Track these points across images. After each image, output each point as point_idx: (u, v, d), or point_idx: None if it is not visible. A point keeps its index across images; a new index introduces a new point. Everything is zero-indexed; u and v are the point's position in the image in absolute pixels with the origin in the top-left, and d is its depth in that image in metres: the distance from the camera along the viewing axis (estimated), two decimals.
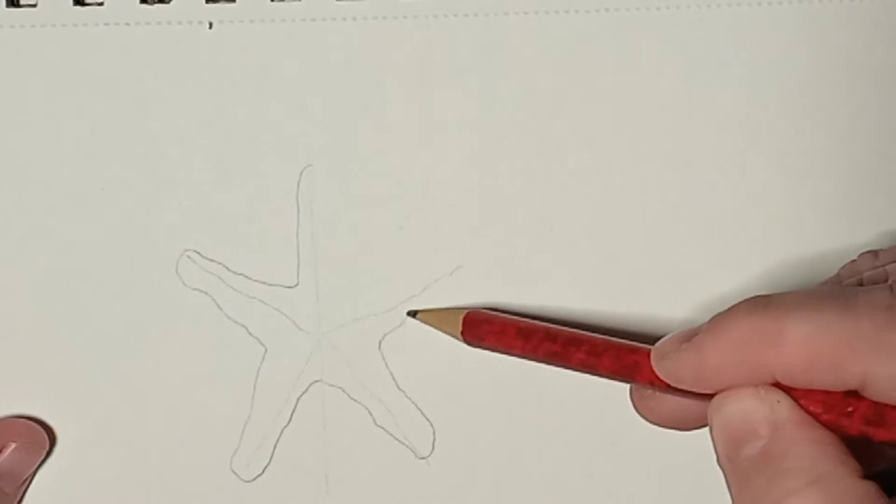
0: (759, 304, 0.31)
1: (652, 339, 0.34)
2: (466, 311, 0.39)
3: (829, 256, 0.39)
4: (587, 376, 0.37)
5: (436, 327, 0.40)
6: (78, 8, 0.40)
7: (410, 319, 0.40)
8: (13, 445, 0.40)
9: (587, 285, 0.41)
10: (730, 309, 0.31)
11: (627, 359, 0.35)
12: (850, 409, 0.30)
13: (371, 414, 0.41)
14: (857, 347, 0.29)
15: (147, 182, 0.40)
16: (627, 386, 0.37)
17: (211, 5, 0.40)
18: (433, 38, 0.40)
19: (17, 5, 0.40)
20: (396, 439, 0.41)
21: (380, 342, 0.41)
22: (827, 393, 0.30)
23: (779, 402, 0.31)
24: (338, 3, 0.40)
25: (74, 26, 0.40)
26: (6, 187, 0.40)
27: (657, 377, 0.34)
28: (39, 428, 0.40)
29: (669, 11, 0.40)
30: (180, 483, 0.41)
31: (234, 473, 0.41)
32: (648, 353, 0.34)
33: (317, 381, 0.41)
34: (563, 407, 0.41)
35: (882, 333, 0.29)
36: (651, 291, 0.41)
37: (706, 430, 0.33)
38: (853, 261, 0.38)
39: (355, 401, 0.41)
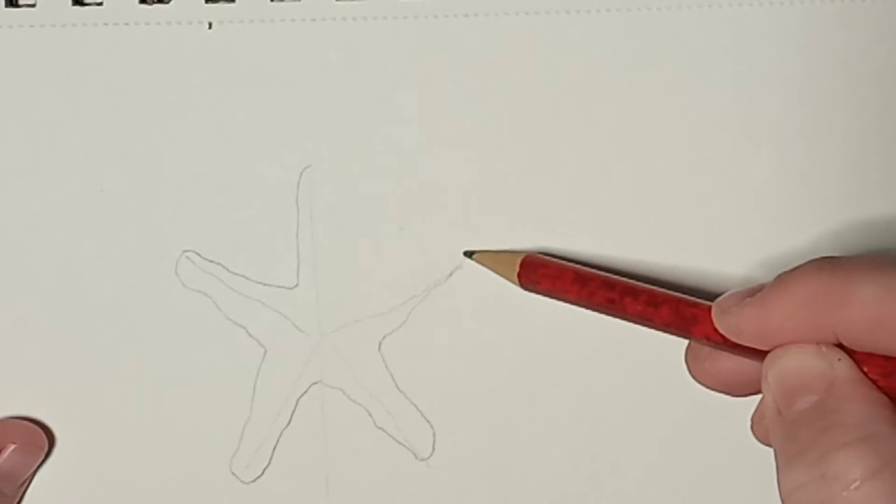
0: (827, 264, 0.31)
1: None
2: (524, 254, 0.39)
3: (827, 254, 0.39)
4: (586, 376, 0.36)
5: (491, 269, 0.40)
6: (77, 8, 0.40)
7: (419, 317, 0.40)
8: (12, 446, 0.40)
9: None
10: (797, 267, 0.31)
11: (686, 311, 0.35)
12: None
13: (371, 415, 0.41)
14: None
15: (146, 183, 0.40)
16: (627, 385, 0.37)
17: (210, 5, 0.40)
18: (433, 38, 0.40)
19: (16, 5, 0.40)
20: (396, 441, 0.41)
21: (380, 343, 0.41)
22: (888, 359, 0.30)
23: (839, 360, 0.31)
24: (338, 3, 0.40)
25: (73, 26, 0.40)
26: (5, 188, 0.40)
27: (715, 332, 0.33)
28: (38, 429, 0.40)
29: (669, 11, 0.40)
30: (179, 485, 0.41)
31: (234, 475, 0.41)
32: (708, 309, 0.34)
33: (317, 383, 0.41)
34: (562, 407, 0.41)
35: None
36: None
37: (711, 432, 0.32)
38: None
39: (355, 402, 0.41)
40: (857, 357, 0.31)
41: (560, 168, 0.40)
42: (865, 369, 0.30)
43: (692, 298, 0.35)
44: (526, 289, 0.39)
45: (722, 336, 0.33)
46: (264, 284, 0.41)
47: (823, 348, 0.31)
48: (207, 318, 0.41)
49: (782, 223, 0.40)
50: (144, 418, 0.41)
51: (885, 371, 0.30)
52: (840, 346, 0.31)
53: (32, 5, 0.40)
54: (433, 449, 0.41)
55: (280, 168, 0.40)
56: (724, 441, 0.40)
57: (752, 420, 0.36)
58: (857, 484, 0.28)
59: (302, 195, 0.40)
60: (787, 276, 0.31)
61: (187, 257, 0.40)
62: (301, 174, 0.40)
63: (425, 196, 0.40)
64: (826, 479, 0.29)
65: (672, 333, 0.35)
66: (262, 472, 0.41)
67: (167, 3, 0.40)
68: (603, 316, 0.38)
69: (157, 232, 0.40)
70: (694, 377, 0.36)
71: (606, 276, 0.37)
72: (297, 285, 0.41)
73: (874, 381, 0.30)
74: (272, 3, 0.40)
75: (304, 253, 0.41)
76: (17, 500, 0.40)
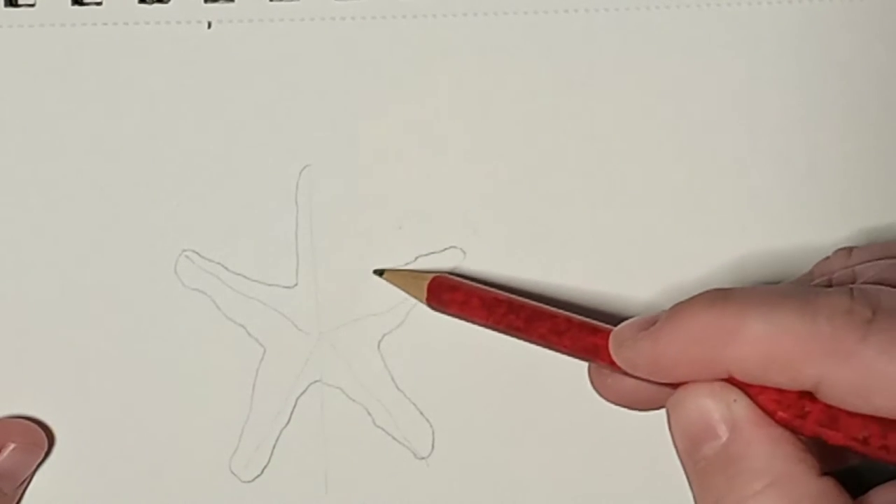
0: (719, 298, 0.31)
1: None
2: (433, 275, 0.39)
3: (827, 254, 0.39)
4: (585, 375, 0.36)
5: (401, 288, 0.40)
6: (76, 8, 0.40)
7: (419, 315, 0.40)
8: (12, 446, 0.40)
9: (588, 284, 0.41)
10: (690, 300, 0.31)
11: (587, 340, 0.35)
12: (805, 409, 0.30)
13: (370, 414, 0.41)
14: (812, 350, 0.29)
15: (145, 182, 0.40)
16: None
17: (209, 5, 0.40)
18: (433, 38, 0.40)
19: (16, 5, 0.40)
20: (396, 440, 0.41)
21: (379, 342, 0.41)
22: (782, 393, 0.30)
23: (735, 400, 0.31)
24: (337, 2, 0.40)
25: (73, 26, 0.40)
26: (5, 187, 0.40)
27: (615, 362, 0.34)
28: (38, 428, 0.40)
29: (669, 11, 0.40)
30: (179, 483, 0.41)
31: (233, 474, 0.41)
32: (609, 335, 0.34)
33: (316, 382, 0.41)
34: (562, 407, 0.41)
35: (838, 338, 0.29)
36: (651, 289, 0.41)
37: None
38: (827, 258, 0.37)
39: (354, 401, 0.41)
40: (753, 391, 0.31)
41: (559, 168, 0.40)
42: (763, 403, 0.30)
43: (596, 324, 0.35)
44: (435, 310, 0.39)
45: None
46: (264, 283, 0.41)
47: (718, 389, 0.31)
48: (207, 317, 0.41)
49: (782, 223, 0.40)
50: (144, 417, 0.41)
51: (780, 404, 0.30)
52: (735, 380, 0.31)
53: (32, 5, 0.40)
54: (432, 448, 0.41)
55: (279, 167, 0.40)
56: None
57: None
58: None
59: (301, 194, 0.40)
60: (680, 310, 0.31)
61: (187, 256, 0.40)
62: (300, 173, 0.40)
63: (424, 195, 0.40)
64: None
65: (578, 359, 0.35)
66: (262, 471, 0.41)
67: (166, 2, 0.40)
68: (604, 316, 0.38)
69: (157, 231, 0.40)
70: (598, 392, 0.36)
71: (512, 301, 0.37)
72: (296, 284, 0.41)
73: (772, 414, 0.30)
74: (271, 3, 0.40)
75: (304, 252, 0.40)
76: (16, 499, 0.40)
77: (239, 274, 0.41)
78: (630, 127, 0.40)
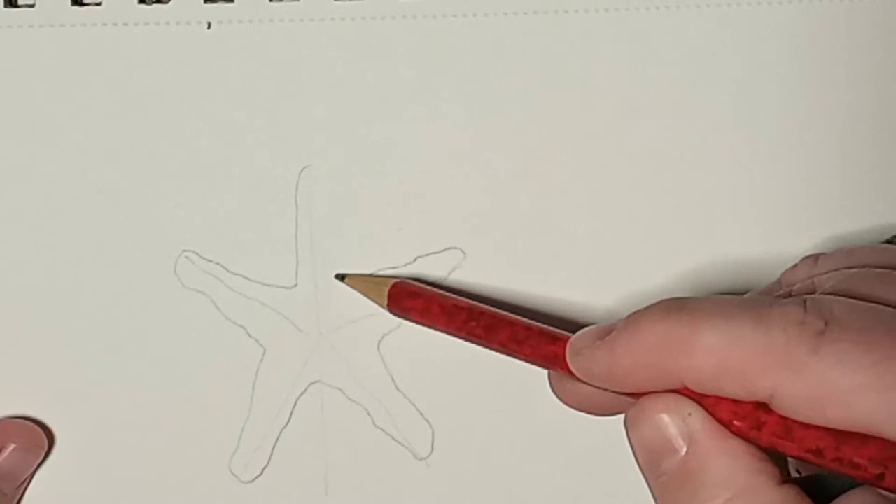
0: (675, 308, 0.31)
1: None
2: (394, 280, 0.39)
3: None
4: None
5: (362, 293, 0.40)
6: (76, 8, 0.40)
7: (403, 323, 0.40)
8: (12, 446, 0.40)
9: (587, 283, 0.41)
10: (645, 309, 0.31)
11: (546, 349, 0.35)
12: (761, 420, 0.30)
13: (370, 415, 0.41)
14: (765, 361, 0.29)
15: (145, 182, 0.40)
16: None
17: (209, 5, 0.40)
18: (433, 38, 0.40)
19: (15, 5, 0.40)
20: (395, 440, 0.41)
21: (379, 343, 0.41)
22: (738, 402, 0.30)
23: (690, 414, 0.31)
24: (337, 3, 0.40)
25: (72, 26, 0.39)
26: (4, 188, 0.40)
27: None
28: (38, 429, 0.40)
29: (669, 11, 0.40)
30: (179, 484, 0.41)
31: (233, 474, 0.41)
32: (566, 343, 0.34)
33: (315, 382, 0.41)
34: (562, 407, 0.41)
35: (791, 349, 0.29)
36: (650, 290, 0.41)
37: None
38: (795, 266, 0.37)
39: (354, 402, 0.41)
40: (708, 402, 0.30)
41: (559, 168, 0.40)
42: (718, 414, 0.30)
43: (555, 332, 0.35)
44: (396, 316, 0.39)
45: None
46: (263, 284, 0.41)
47: (672, 404, 0.31)
48: (206, 317, 0.41)
49: (781, 223, 0.40)
50: (143, 418, 0.41)
51: (736, 415, 0.30)
52: (690, 391, 0.31)
53: (32, 5, 0.40)
54: (432, 448, 0.41)
55: (279, 168, 0.40)
56: None
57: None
58: None
59: (301, 195, 0.40)
60: (636, 320, 0.31)
61: (186, 257, 0.40)
62: (300, 174, 0.40)
63: (424, 196, 0.40)
64: None
65: (538, 366, 0.35)
66: (262, 472, 0.41)
67: (166, 3, 0.40)
68: (603, 316, 0.38)
69: (157, 232, 0.40)
70: (558, 398, 0.36)
71: (472, 308, 0.37)
72: (296, 285, 0.41)
73: (727, 425, 0.30)
74: (271, 3, 0.40)
75: (303, 252, 0.40)
76: (16, 499, 0.40)
77: (239, 274, 0.41)
78: (630, 127, 0.40)
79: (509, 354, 0.36)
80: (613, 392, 0.32)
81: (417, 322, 0.38)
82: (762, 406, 0.30)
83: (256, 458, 0.41)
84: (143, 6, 0.40)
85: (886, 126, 0.40)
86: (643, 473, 0.32)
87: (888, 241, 0.40)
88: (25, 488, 0.41)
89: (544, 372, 0.38)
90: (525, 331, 0.36)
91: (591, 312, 0.40)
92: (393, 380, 0.41)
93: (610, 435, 0.41)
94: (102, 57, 0.40)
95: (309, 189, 0.40)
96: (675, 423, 0.31)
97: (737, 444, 0.30)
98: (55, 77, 0.40)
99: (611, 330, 0.32)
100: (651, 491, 0.32)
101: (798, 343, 0.29)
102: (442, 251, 0.41)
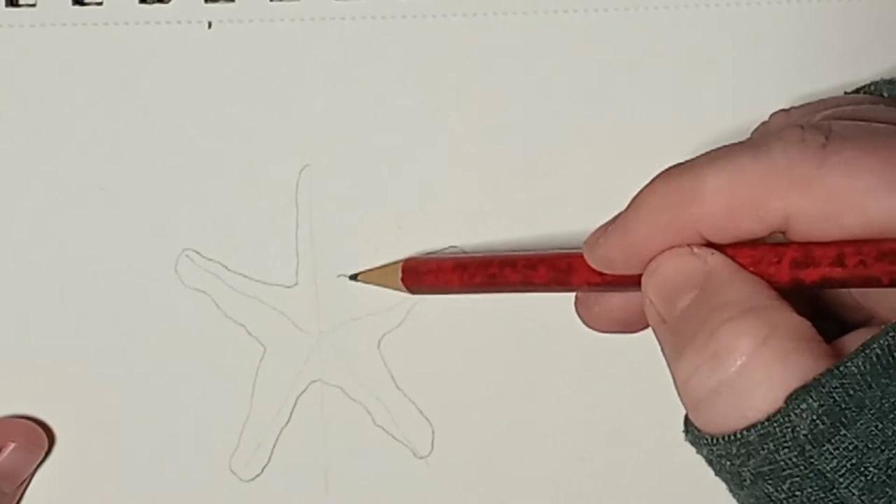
0: (674, 168, 0.30)
1: None
2: (403, 260, 0.39)
3: None
4: (585, 374, 0.37)
5: (378, 285, 0.40)
6: (77, 7, 0.40)
7: (418, 315, 0.40)
8: (12, 445, 0.40)
9: None
10: (647, 183, 0.31)
11: (562, 263, 0.34)
12: (779, 251, 0.29)
13: (370, 413, 0.41)
14: (774, 184, 0.29)
15: (146, 181, 0.40)
16: (626, 383, 0.37)
17: (210, 5, 0.40)
18: (433, 38, 0.40)
19: (17, 5, 0.40)
20: (395, 439, 0.41)
21: (379, 342, 0.41)
22: (755, 248, 0.30)
23: (712, 254, 0.30)
24: (337, 2, 0.40)
25: (73, 26, 0.40)
26: (5, 187, 0.40)
27: (593, 273, 0.33)
28: (38, 428, 0.40)
29: (668, 11, 0.40)
30: (179, 483, 0.41)
31: (233, 473, 0.41)
32: (582, 255, 0.33)
33: (316, 381, 0.41)
34: (562, 407, 0.41)
35: (797, 166, 0.28)
36: None
37: None
38: (765, 122, 0.36)
39: (354, 400, 0.41)
40: (727, 252, 0.30)
41: (559, 168, 0.40)
42: (737, 259, 0.30)
43: (567, 251, 0.35)
44: (415, 292, 0.39)
45: (600, 276, 0.33)
46: (264, 283, 0.41)
47: (695, 249, 0.30)
48: (207, 316, 0.41)
49: None
50: (144, 416, 0.41)
51: (754, 260, 0.30)
52: (709, 244, 0.30)
53: (32, 5, 0.40)
54: (432, 447, 0.41)
55: (279, 167, 0.40)
56: None
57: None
58: (749, 353, 0.28)
59: (301, 194, 0.40)
60: (639, 193, 0.31)
61: (187, 256, 0.40)
62: (300, 173, 0.40)
63: (424, 195, 0.40)
64: (718, 356, 0.28)
65: (557, 291, 0.35)
66: (262, 470, 0.41)
67: (167, 2, 0.40)
68: None
69: (157, 230, 0.40)
70: (588, 325, 0.36)
71: (483, 256, 0.37)
72: (296, 284, 0.41)
73: (748, 268, 0.30)
74: (272, 3, 0.40)
75: (303, 251, 0.41)
76: (16, 498, 0.40)
77: (239, 273, 0.41)
78: (630, 127, 0.40)
79: (528, 287, 0.36)
80: (636, 283, 0.32)
81: (435, 290, 0.38)
82: (780, 243, 0.30)
83: (257, 457, 0.41)
84: (143, 6, 0.40)
85: None
86: (654, 327, 0.31)
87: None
88: (25, 487, 0.41)
89: (543, 371, 0.38)
90: (538, 257, 0.35)
91: None
92: (393, 378, 0.41)
93: (609, 435, 0.41)
94: (103, 57, 0.40)
95: (309, 188, 0.40)
96: (695, 263, 0.30)
97: (756, 278, 0.30)
98: (56, 76, 0.40)
99: (620, 215, 0.32)
100: (662, 343, 0.31)
101: (802, 160, 0.28)
102: (441, 250, 0.41)
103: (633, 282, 0.32)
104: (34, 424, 0.40)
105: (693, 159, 0.30)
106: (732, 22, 0.40)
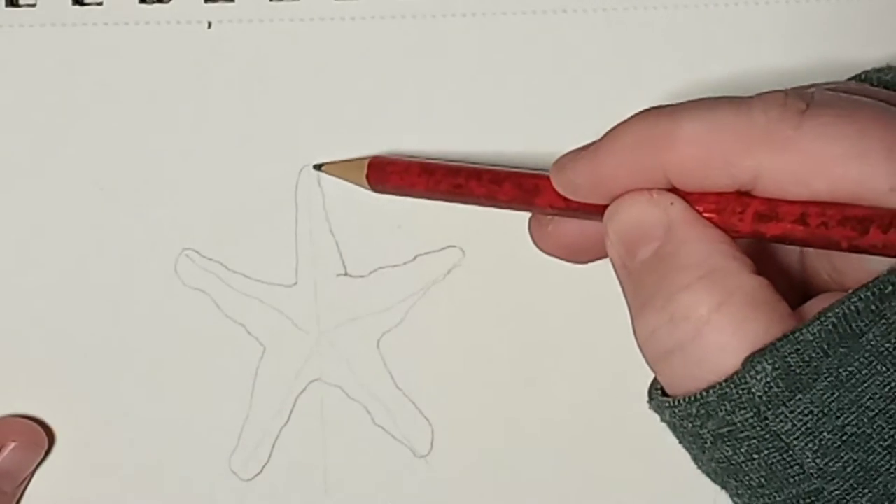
0: (654, 109, 0.31)
1: None
2: (371, 156, 0.39)
3: None
4: (584, 374, 0.37)
5: (341, 177, 0.40)
6: (77, 8, 0.40)
7: (418, 314, 0.40)
8: (12, 445, 0.40)
9: (587, 282, 0.41)
10: (627, 118, 0.31)
11: (528, 183, 0.34)
12: (745, 202, 0.30)
13: (369, 413, 0.41)
14: (749, 141, 0.29)
15: (145, 181, 0.40)
16: (625, 383, 0.37)
17: (210, 5, 0.40)
18: (433, 38, 0.40)
19: (17, 5, 0.40)
20: (395, 438, 0.41)
21: (378, 341, 0.41)
22: (720, 196, 0.30)
23: (672, 204, 0.30)
24: (337, 2, 0.40)
25: (73, 26, 0.40)
26: (5, 187, 0.40)
27: (557, 198, 0.33)
28: (38, 427, 0.40)
29: (668, 11, 0.40)
30: (179, 482, 0.41)
31: (233, 472, 0.41)
32: (549, 179, 0.33)
33: (315, 380, 0.41)
34: (562, 406, 0.41)
35: (774, 127, 0.29)
36: None
37: None
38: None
39: (354, 400, 0.41)
40: (690, 198, 0.30)
41: None
42: (700, 209, 0.30)
43: (534, 171, 0.35)
44: (377, 191, 0.39)
45: (564, 201, 0.33)
46: (263, 282, 0.41)
47: (654, 195, 0.31)
48: (206, 316, 0.41)
49: None
50: (143, 416, 0.41)
51: (718, 207, 0.30)
52: (674, 189, 0.30)
53: (32, 5, 0.40)
54: (431, 446, 0.41)
55: (279, 166, 0.40)
56: None
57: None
58: (704, 319, 0.29)
59: (300, 194, 0.40)
60: (617, 126, 0.31)
61: (187, 255, 0.40)
62: (300, 173, 0.40)
63: None
64: (675, 321, 0.29)
65: (518, 209, 0.35)
66: (262, 470, 0.41)
67: (167, 2, 0.40)
68: (602, 315, 0.38)
69: (157, 230, 0.40)
70: (537, 245, 0.36)
71: (451, 164, 0.37)
72: (295, 283, 0.41)
73: (710, 219, 0.30)
74: (271, 3, 0.40)
75: (303, 251, 0.41)
76: (16, 498, 0.40)
77: (239, 273, 0.41)
78: None
79: (491, 202, 0.36)
80: (597, 212, 0.32)
81: (399, 191, 0.38)
82: (745, 194, 0.30)
83: (256, 456, 0.41)
84: (143, 6, 0.40)
85: None
86: (616, 270, 0.32)
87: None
88: (25, 487, 0.41)
89: (542, 370, 0.38)
90: (505, 172, 0.35)
91: (592, 309, 0.41)
92: (392, 378, 0.41)
93: (609, 433, 0.41)
94: (103, 56, 0.40)
95: (308, 188, 0.40)
96: (655, 213, 0.30)
97: (715, 233, 0.30)
98: (56, 76, 0.40)
99: (594, 143, 0.32)
100: (622, 287, 0.32)
101: (780, 121, 0.29)
102: (441, 249, 0.41)
103: (595, 211, 0.32)
104: (34, 424, 0.40)
105: (676, 104, 0.30)
106: (732, 22, 0.40)
